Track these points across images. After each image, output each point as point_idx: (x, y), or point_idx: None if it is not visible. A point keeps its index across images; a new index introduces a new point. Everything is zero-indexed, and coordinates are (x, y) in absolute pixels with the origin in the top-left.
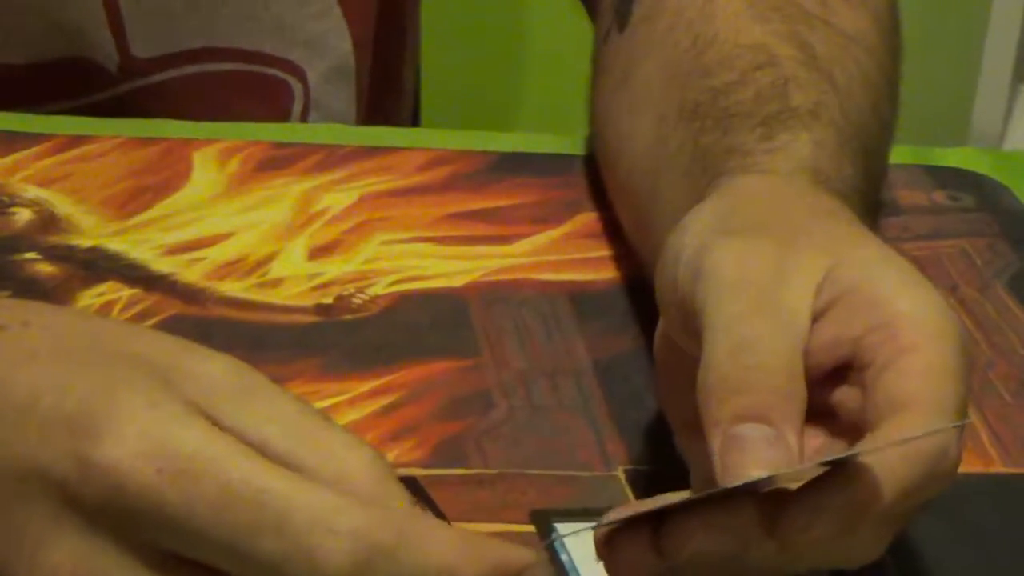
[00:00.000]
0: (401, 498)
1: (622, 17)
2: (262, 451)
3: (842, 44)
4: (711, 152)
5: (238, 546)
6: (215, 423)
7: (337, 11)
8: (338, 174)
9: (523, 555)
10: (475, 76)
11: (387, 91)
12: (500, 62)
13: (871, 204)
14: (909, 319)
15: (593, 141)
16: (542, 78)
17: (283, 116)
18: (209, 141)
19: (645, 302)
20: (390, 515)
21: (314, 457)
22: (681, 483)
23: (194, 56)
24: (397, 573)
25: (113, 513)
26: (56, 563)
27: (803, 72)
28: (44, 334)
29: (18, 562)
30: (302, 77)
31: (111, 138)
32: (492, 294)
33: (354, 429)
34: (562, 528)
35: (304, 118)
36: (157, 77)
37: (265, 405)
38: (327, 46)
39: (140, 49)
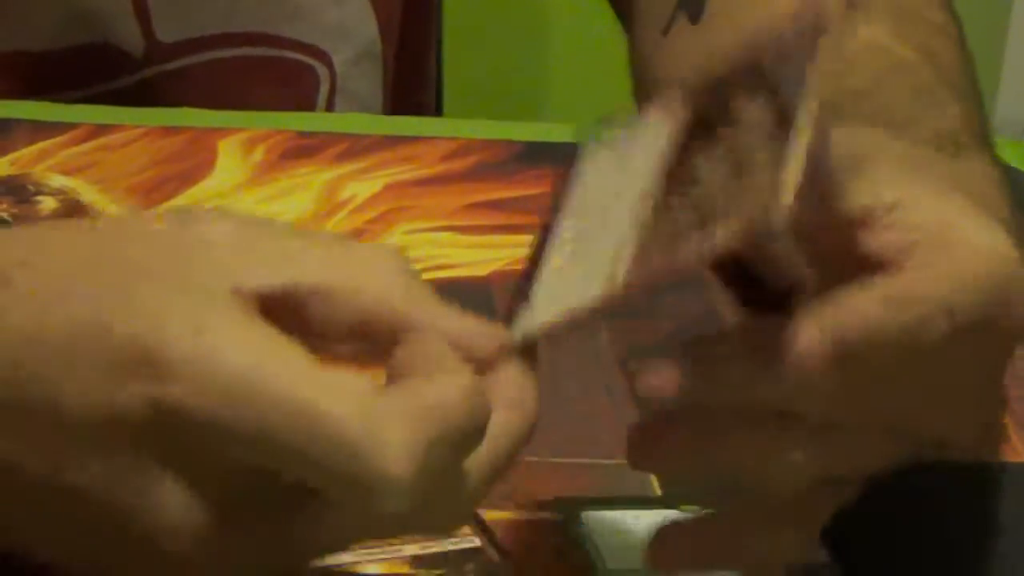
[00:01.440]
0: (425, 300)
1: (694, 7)
2: (303, 295)
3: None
4: None
5: (298, 469)
6: (270, 334)
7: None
8: (362, 163)
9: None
10: (498, 64)
11: (413, 77)
12: (523, 50)
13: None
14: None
15: None
16: (566, 67)
17: (309, 101)
18: (234, 130)
19: (669, 289)
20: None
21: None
22: None
23: (218, 41)
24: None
25: (191, 453)
26: (152, 518)
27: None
28: (50, 267)
29: (122, 512)
30: (328, 62)
31: (136, 127)
32: (517, 283)
33: None
34: (588, 516)
35: (331, 102)
36: (182, 62)
37: (295, 246)
38: (352, 31)
39: (165, 34)
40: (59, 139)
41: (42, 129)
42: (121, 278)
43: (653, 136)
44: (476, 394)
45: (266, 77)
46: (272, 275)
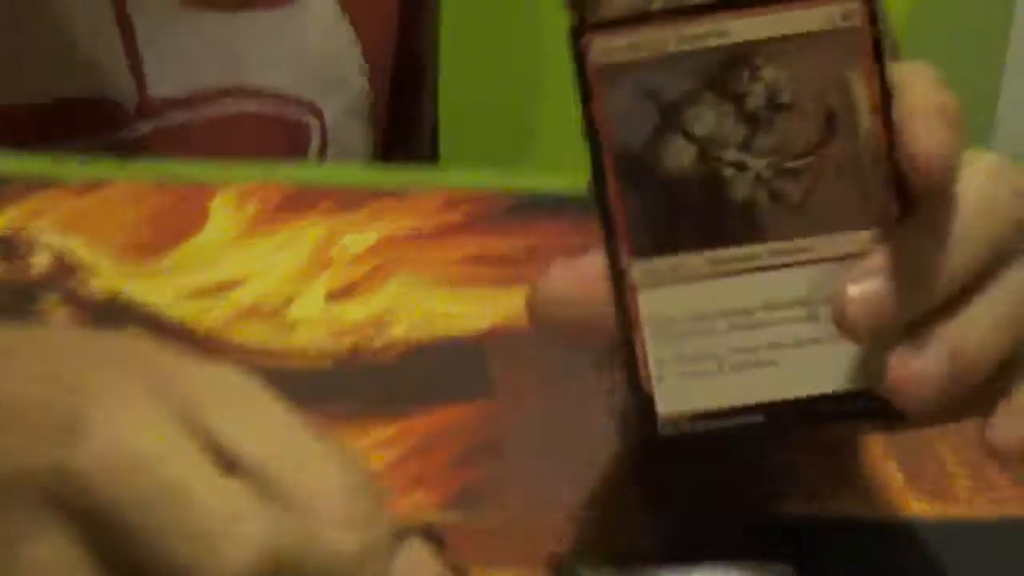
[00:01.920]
0: (373, 518)
1: None
2: (234, 462)
3: None
4: None
5: (158, 545)
6: (193, 428)
7: (356, 48)
8: (356, 216)
9: None
10: (495, 107)
11: (405, 125)
12: (520, 93)
13: None
14: None
15: None
16: (562, 110)
17: (301, 155)
18: (226, 185)
19: None
20: (301, 519)
21: (286, 474)
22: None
23: (212, 96)
24: None
25: (85, 515)
26: (34, 556)
27: None
28: (34, 350)
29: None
30: (319, 114)
31: (129, 182)
32: (510, 338)
33: None
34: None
35: (322, 155)
36: (176, 118)
37: (250, 416)
38: (344, 82)
39: (158, 88)
40: (50, 195)
41: (33, 185)
42: (70, 363)
43: None
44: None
45: (260, 133)
46: None
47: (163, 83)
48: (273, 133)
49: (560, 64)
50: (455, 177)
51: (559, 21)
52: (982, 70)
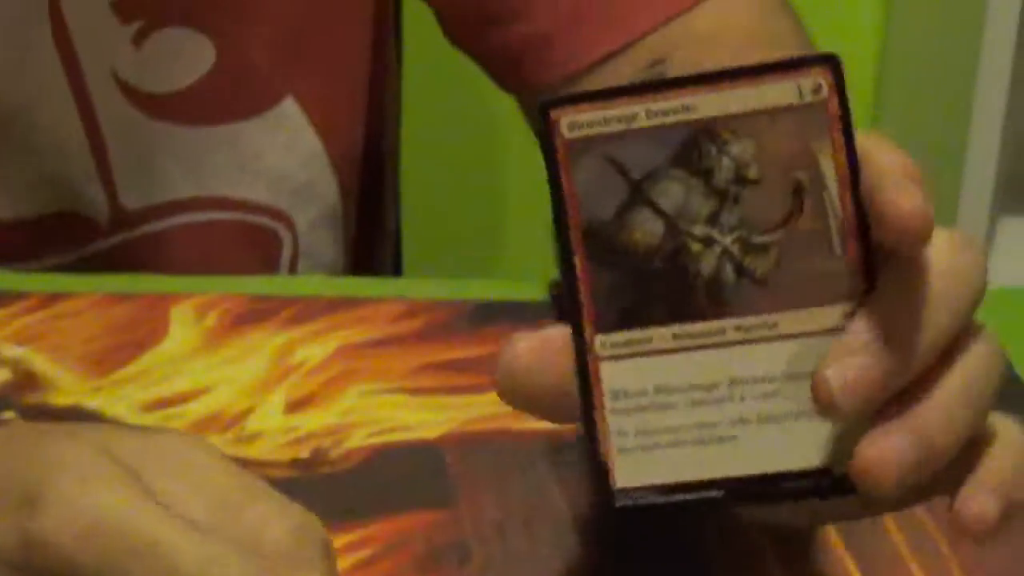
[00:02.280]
0: (317, 570)
1: None
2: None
3: None
4: None
5: None
6: (145, 490)
7: (324, 159)
8: (315, 326)
9: None
10: (456, 219)
11: (372, 236)
12: (480, 205)
13: None
14: None
15: None
16: (522, 221)
17: (272, 264)
18: (186, 296)
19: None
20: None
21: (233, 530)
22: None
23: (183, 206)
24: None
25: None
26: None
27: None
28: None
29: None
30: (290, 225)
31: (88, 295)
32: (468, 444)
33: None
34: None
35: (293, 266)
36: (147, 228)
37: (198, 477)
38: (315, 194)
39: (129, 200)
40: (11, 309)
41: None
42: (22, 440)
43: None
44: None
45: (231, 241)
46: None
47: (134, 195)
48: (244, 242)
49: (519, 178)
50: (413, 287)
51: (518, 138)
52: (937, 203)
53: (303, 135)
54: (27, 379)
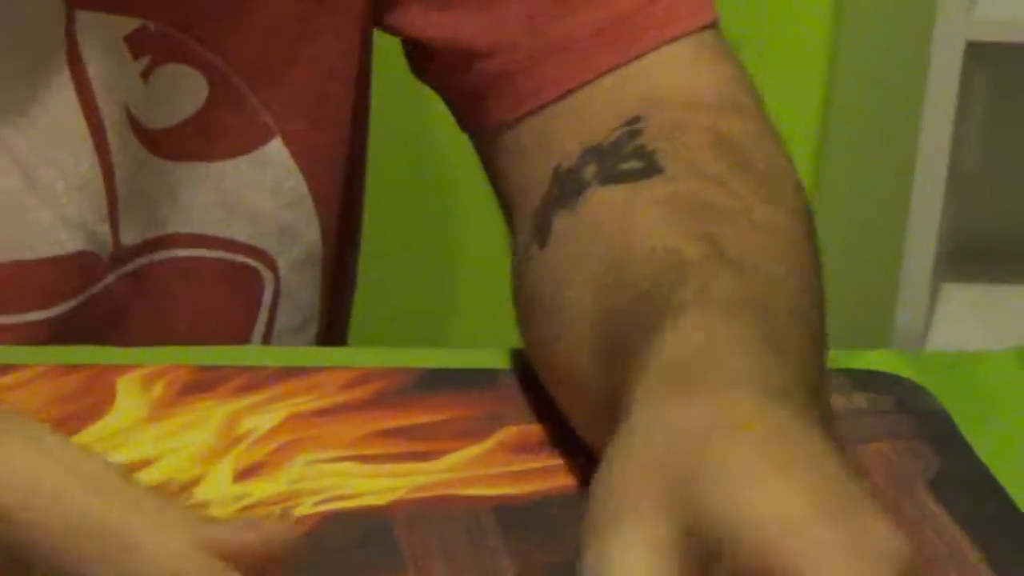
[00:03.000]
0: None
1: (542, 233)
2: None
3: (758, 236)
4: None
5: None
6: None
7: (308, 201)
8: (262, 395)
9: None
10: (407, 286)
11: (342, 285)
12: (431, 272)
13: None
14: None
15: (531, 362)
16: (472, 287)
17: (254, 303)
18: (133, 367)
19: (570, 514)
20: None
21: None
22: None
23: (171, 242)
24: None
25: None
26: None
27: (708, 266)
28: None
29: None
30: (272, 266)
31: (34, 367)
32: (417, 511)
33: None
34: None
35: (274, 305)
36: (139, 262)
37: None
38: (297, 235)
39: (127, 237)
40: None
41: None
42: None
43: None
44: None
45: (215, 279)
46: None
47: (131, 232)
48: (228, 280)
49: (470, 246)
50: (360, 356)
51: (472, 203)
52: (879, 271)
53: (289, 176)
54: None
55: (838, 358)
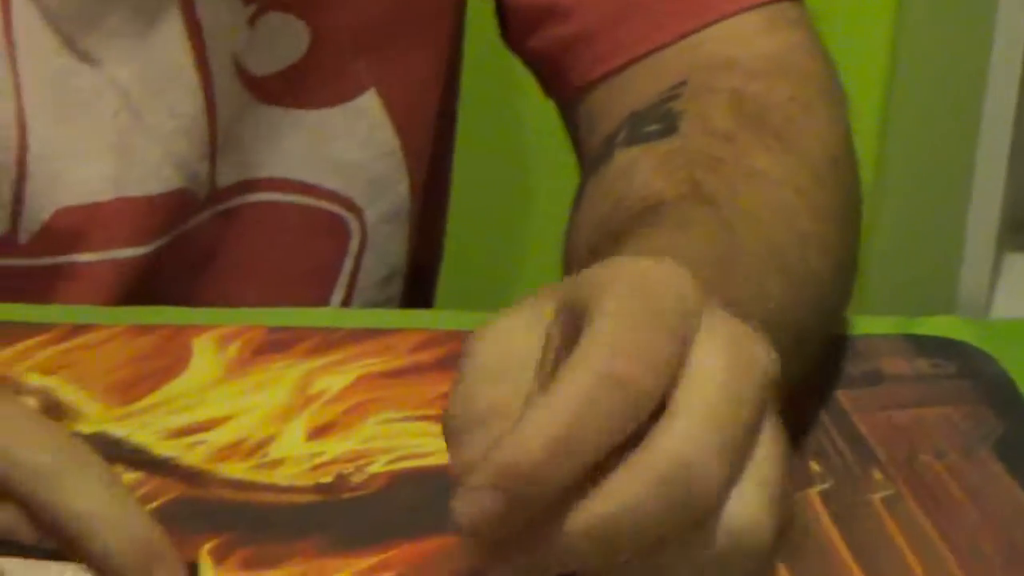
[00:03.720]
0: None
1: (576, 200)
2: None
3: (748, 183)
4: None
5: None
6: None
7: (399, 155)
8: (334, 356)
9: None
10: (477, 252)
11: (429, 242)
12: (502, 239)
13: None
14: None
15: None
16: (541, 253)
17: (340, 253)
18: (207, 327)
19: None
20: None
21: None
22: None
23: (262, 185)
24: None
25: None
26: None
27: (684, 203)
28: None
29: None
30: (360, 216)
31: (110, 327)
32: None
33: None
34: None
35: (360, 257)
36: (229, 204)
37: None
38: (387, 188)
39: (222, 178)
40: (36, 340)
41: (18, 331)
42: None
43: None
44: None
45: (302, 225)
46: None
47: (226, 172)
48: (315, 227)
49: (542, 212)
50: (432, 318)
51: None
52: (943, 238)
53: (381, 129)
54: (53, 408)
55: (902, 324)
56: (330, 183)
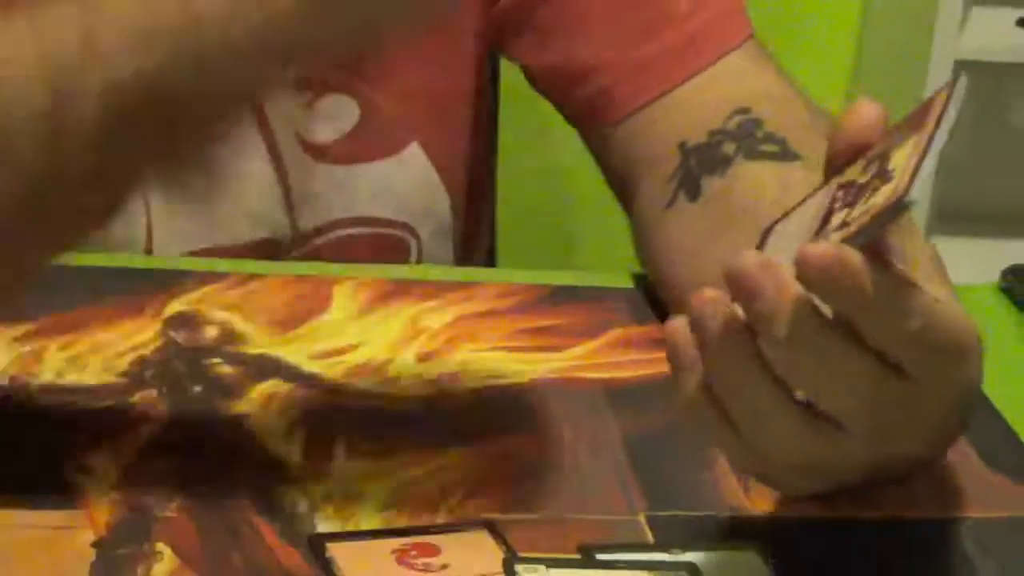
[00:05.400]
0: None
1: (690, 191)
2: None
3: None
4: None
5: None
6: None
7: (441, 188)
8: (437, 301)
9: None
10: (544, 220)
11: (472, 244)
12: (562, 210)
13: None
14: None
15: (663, 289)
16: (593, 223)
17: (404, 262)
18: (346, 279)
19: (662, 394)
20: None
21: None
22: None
23: (338, 224)
24: None
25: None
26: None
27: None
28: None
29: None
30: (415, 235)
31: (274, 277)
32: (548, 388)
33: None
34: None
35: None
36: (316, 242)
37: None
38: (433, 213)
39: (303, 223)
40: (219, 285)
41: (208, 277)
42: None
43: None
44: None
45: (374, 249)
46: None
47: (305, 219)
48: (383, 249)
49: (589, 197)
50: (506, 275)
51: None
52: None
53: (425, 171)
54: (230, 335)
55: None
56: (389, 213)
